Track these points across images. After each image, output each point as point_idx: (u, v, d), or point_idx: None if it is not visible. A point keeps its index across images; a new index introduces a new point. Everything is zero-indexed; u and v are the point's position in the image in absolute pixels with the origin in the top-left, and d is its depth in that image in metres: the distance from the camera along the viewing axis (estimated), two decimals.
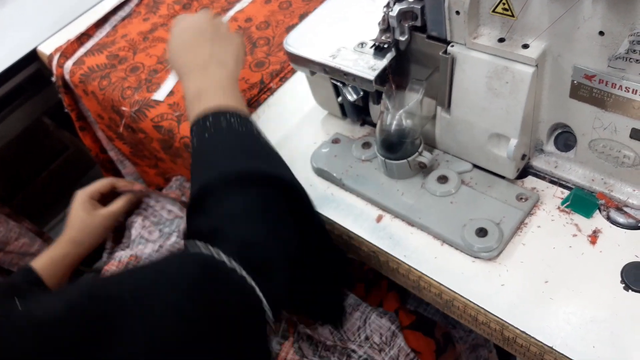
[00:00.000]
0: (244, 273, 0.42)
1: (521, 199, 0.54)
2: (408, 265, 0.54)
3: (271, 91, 0.79)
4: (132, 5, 1.04)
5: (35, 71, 1.10)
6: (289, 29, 0.87)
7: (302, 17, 0.89)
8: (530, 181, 0.56)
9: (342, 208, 0.60)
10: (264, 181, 0.49)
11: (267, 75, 0.80)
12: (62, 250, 0.71)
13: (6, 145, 1.19)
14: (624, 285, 0.47)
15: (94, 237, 0.73)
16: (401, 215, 0.57)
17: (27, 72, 1.10)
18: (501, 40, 0.49)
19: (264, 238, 0.46)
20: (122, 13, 1.03)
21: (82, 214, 0.72)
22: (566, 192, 0.54)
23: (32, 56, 1.07)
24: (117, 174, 1.14)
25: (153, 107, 0.81)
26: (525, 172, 0.57)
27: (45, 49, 1.02)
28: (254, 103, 0.78)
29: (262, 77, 0.80)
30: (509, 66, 0.49)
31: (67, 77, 0.95)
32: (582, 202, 0.52)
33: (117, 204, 0.74)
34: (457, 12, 0.50)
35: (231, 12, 0.96)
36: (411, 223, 0.57)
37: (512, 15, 0.48)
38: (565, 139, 0.55)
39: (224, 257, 0.42)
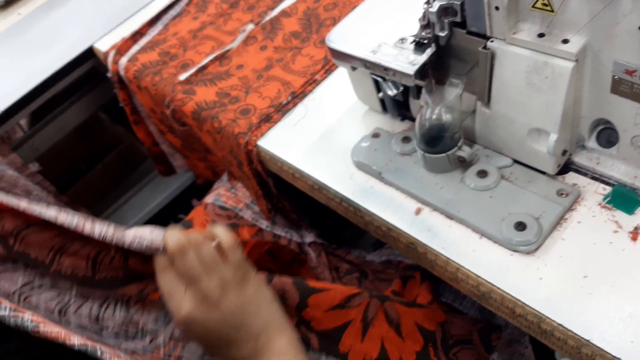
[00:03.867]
0: None
1: (562, 194, 0.54)
2: (446, 257, 0.55)
3: (316, 83, 0.81)
4: (182, 4, 1.08)
5: (91, 68, 1.16)
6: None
7: None
8: (572, 177, 0.56)
9: (381, 201, 0.62)
10: None
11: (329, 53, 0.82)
12: None
13: (64, 138, 1.26)
14: None
15: None
16: (440, 208, 0.58)
17: (84, 68, 1.15)
18: (541, 35, 0.49)
19: None
20: (173, 12, 1.08)
21: None
22: (608, 189, 0.53)
23: (89, 53, 1.13)
24: (169, 166, 1.19)
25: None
26: (566, 168, 0.57)
27: (102, 47, 1.08)
28: (312, 82, 0.81)
29: (325, 54, 0.83)
30: (549, 61, 0.49)
31: (121, 73, 1.00)
32: (623, 198, 0.52)
33: None
34: (497, 8, 0.50)
35: None
36: (450, 216, 0.58)
37: (552, 11, 0.48)
38: (607, 135, 0.55)
39: None
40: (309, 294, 0.65)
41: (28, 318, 0.40)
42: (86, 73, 1.16)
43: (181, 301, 0.50)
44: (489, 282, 0.51)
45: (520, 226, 0.53)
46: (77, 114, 1.26)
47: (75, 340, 0.42)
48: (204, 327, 0.51)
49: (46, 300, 0.50)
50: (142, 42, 1.03)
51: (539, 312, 0.48)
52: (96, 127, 1.56)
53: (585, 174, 0.56)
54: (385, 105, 0.70)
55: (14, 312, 0.40)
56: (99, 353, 0.43)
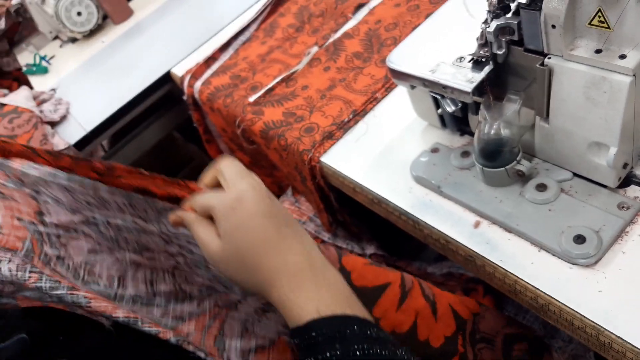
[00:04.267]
0: None
1: (623, 207, 0.54)
2: (504, 269, 0.56)
3: (377, 100, 0.85)
4: (251, 30, 1.15)
5: (168, 91, 1.25)
6: (416, 28, 0.92)
7: (429, 17, 0.92)
8: (634, 190, 0.56)
9: (440, 214, 0.64)
10: None
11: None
12: None
13: (142, 155, 1.36)
14: None
15: None
16: (499, 221, 0.60)
17: (161, 92, 1.25)
18: (598, 51, 0.50)
19: None
20: (243, 37, 1.15)
21: None
22: None
23: (166, 78, 1.22)
24: None
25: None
26: (628, 181, 0.57)
27: (178, 72, 1.16)
28: (373, 100, 0.85)
29: (386, 73, 0.87)
30: (607, 76, 0.50)
31: (196, 95, 1.07)
32: None
33: None
34: (553, 26, 0.52)
35: (361, 15, 1.02)
36: (508, 229, 0.59)
37: (608, 27, 0.49)
38: None
39: None
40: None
41: (82, 295, 0.45)
42: (163, 96, 1.26)
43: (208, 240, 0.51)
44: (547, 295, 0.52)
45: (580, 239, 0.53)
46: (154, 133, 1.36)
47: (120, 313, 0.45)
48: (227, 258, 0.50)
49: (108, 267, 0.54)
50: (215, 66, 1.11)
51: (598, 325, 0.48)
52: (170, 145, 1.66)
53: None
54: (444, 121, 0.72)
55: (70, 290, 0.44)
56: (139, 324, 0.45)
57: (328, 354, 0.42)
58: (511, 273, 0.55)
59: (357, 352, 0.42)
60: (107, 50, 1.52)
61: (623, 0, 0.46)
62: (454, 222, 0.62)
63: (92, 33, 1.64)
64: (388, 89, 0.86)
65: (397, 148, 0.75)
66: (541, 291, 0.53)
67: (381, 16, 0.99)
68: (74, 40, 1.65)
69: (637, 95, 0.50)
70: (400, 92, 0.83)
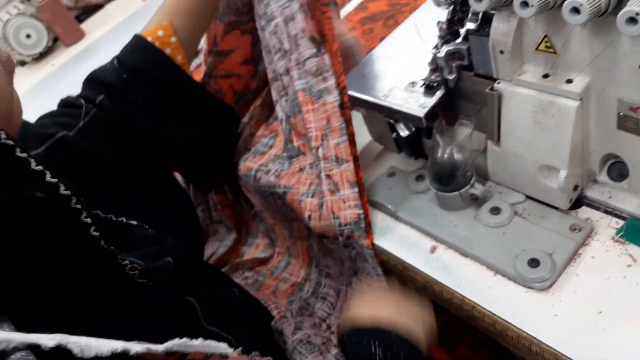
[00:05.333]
0: None
1: (574, 229, 0.55)
2: (461, 295, 0.56)
3: None
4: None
5: None
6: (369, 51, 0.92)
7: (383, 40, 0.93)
8: (585, 211, 0.56)
9: (397, 239, 0.63)
10: None
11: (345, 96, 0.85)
12: None
13: None
14: None
15: None
16: (454, 246, 0.59)
17: None
18: (545, 76, 0.51)
19: None
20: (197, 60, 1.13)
21: None
22: (621, 222, 0.54)
23: None
24: None
25: None
26: (579, 202, 0.57)
27: None
28: None
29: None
30: (554, 101, 0.50)
31: None
32: (636, 232, 0.52)
33: None
34: (502, 52, 0.52)
35: None
36: (464, 254, 0.59)
37: (555, 53, 0.49)
38: (619, 169, 0.55)
39: None
40: None
41: None
42: None
43: None
44: (504, 320, 0.52)
45: (534, 263, 0.53)
46: None
47: None
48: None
49: None
50: None
51: (555, 350, 0.48)
52: None
53: (597, 208, 0.56)
54: (399, 144, 0.72)
55: None
56: None
57: None
58: (468, 299, 0.55)
59: None
60: (57, 73, 1.47)
61: (568, 26, 0.47)
62: (410, 247, 0.62)
63: (41, 56, 1.60)
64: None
65: None
66: (498, 317, 0.52)
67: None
68: (23, 63, 1.60)
69: (585, 118, 0.51)
70: (355, 115, 0.82)
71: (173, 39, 0.67)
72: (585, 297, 0.50)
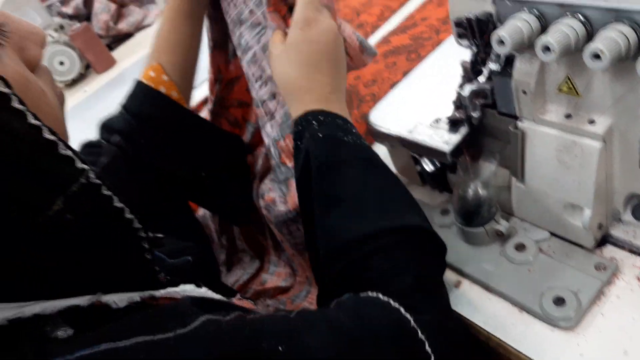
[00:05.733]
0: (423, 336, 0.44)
1: (600, 268, 0.55)
2: (487, 331, 0.56)
3: None
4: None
5: None
6: (394, 85, 0.94)
7: (406, 74, 0.95)
8: (609, 250, 0.56)
9: None
10: (424, 236, 0.52)
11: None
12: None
13: None
14: None
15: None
16: (480, 281, 0.60)
17: None
18: (568, 116, 0.52)
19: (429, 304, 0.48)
20: None
21: None
22: None
23: None
24: None
25: None
26: (604, 240, 0.57)
27: None
28: None
29: (366, 128, 0.88)
30: (577, 141, 0.51)
31: None
32: None
33: None
34: (524, 92, 0.53)
35: None
36: (489, 289, 0.59)
37: (577, 94, 0.50)
38: None
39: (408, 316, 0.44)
40: None
41: None
42: None
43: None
44: (529, 358, 0.52)
45: (560, 301, 0.53)
46: None
47: None
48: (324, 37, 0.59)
49: None
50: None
51: None
52: None
53: (622, 247, 0.56)
54: (423, 178, 0.73)
55: None
56: None
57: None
58: (494, 335, 0.55)
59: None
60: (89, 99, 1.52)
61: (590, 70, 0.48)
62: None
63: (74, 82, 1.65)
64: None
65: None
66: (525, 355, 0.52)
67: (360, 72, 1.01)
68: None
69: (608, 159, 0.51)
70: (379, 148, 0.84)
71: (165, 77, 0.71)
72: (611, 337, 0.50)
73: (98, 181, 0.36)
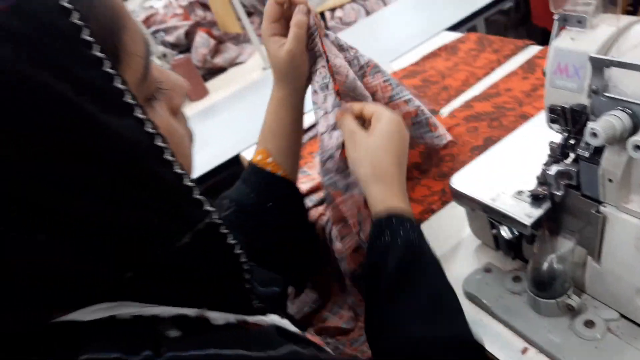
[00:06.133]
0: None
1: None
2: None
3: (432, 212, 0.91)
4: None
5: (234, 173, 1.34)
6: (474, 149, 0.99)
7: (486, 140, 1.02)
8: None
9: (490, 334, 0.67)
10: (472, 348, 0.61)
11: (446, 186, 0.92)
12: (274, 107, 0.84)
13: None
14: None
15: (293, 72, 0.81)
16: (546, 351, 0.63)
17: (227, 172, 1.34)
18: None
19: None
20: (310, 134, 1.24)
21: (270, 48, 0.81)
22: None
23: (236, 160, 1.31)
24: None
25: None
26: None
27: (247, 155, 1.26)
28: (429, 211, 0.92)
29: (443, 187, 0.95)
30: None
31: None
32: None
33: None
34: (610, 180, 0.57)
35: None
36: None
37: None
38: None
39: None
40: None
41: None
42: (228, 177, 1.35)
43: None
44: None
45: None
46: None
47: None
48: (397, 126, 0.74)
49: None
50: None
51: None
52: None
53: None
54: (497, 242, 0.77)
55: None
56: None
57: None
58: None
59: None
60: None
61: None
62: (502, 345, 0.66)
63: None
64: (444, 202, 0.92)
65: (450, 261, 0.80)
66: None
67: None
68: None
69: None
70: (455, 207, 0.88)
71: (269, 160, 0.83)
72: None
73: (219, 221, 0.43)
